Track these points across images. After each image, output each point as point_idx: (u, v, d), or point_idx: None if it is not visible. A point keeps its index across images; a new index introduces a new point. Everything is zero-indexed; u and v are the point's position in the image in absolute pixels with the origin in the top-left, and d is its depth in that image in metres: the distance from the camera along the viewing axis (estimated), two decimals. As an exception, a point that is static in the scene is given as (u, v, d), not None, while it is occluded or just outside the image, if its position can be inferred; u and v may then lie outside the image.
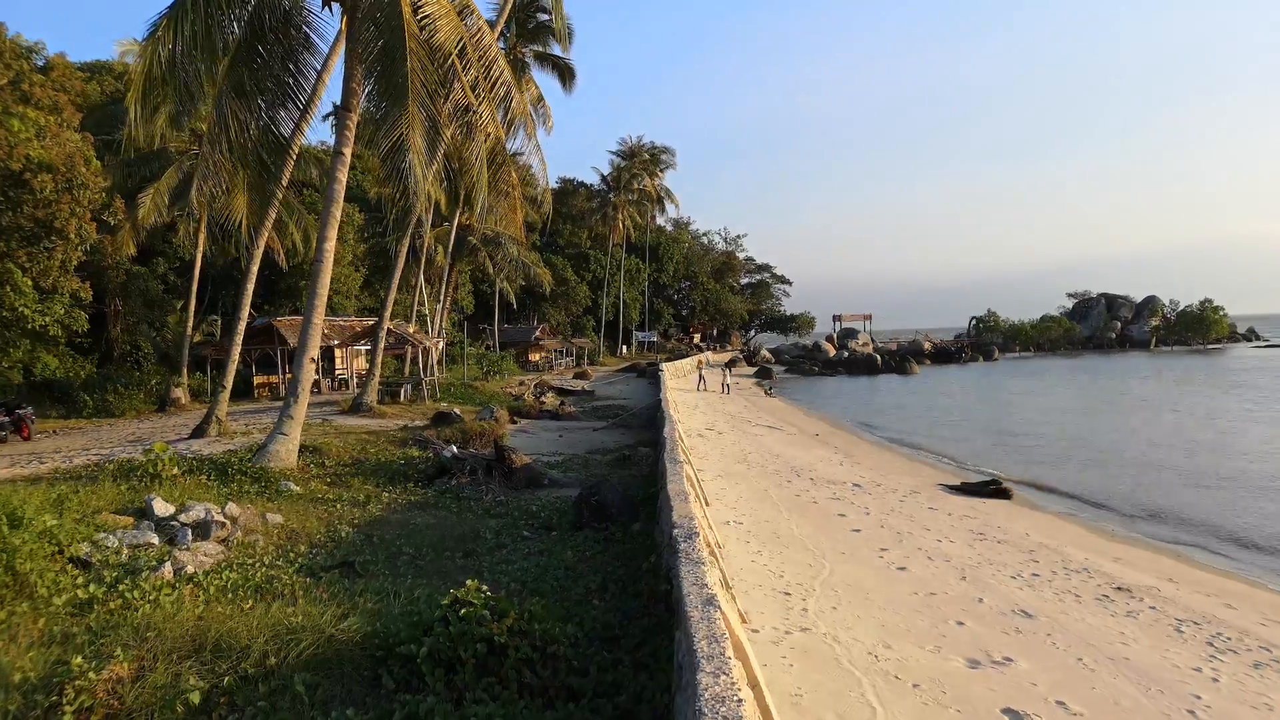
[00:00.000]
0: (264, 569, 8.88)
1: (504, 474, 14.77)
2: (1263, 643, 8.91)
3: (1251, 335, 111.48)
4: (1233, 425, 31.96)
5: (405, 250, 26.60)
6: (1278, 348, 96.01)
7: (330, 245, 14.83)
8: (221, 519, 10.02)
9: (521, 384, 41.48)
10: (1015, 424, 35.08)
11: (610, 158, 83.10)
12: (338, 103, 28.18)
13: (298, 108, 15.79)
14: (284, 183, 19.50)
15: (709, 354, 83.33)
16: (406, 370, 36.17)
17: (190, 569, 8.49)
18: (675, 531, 7.27)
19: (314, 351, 14.95)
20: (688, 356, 72.32)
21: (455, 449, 15.26)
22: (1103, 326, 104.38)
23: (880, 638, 8.10)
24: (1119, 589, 10.92)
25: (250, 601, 7.60)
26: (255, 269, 20.21)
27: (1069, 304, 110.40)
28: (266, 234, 20.14)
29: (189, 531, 9.51)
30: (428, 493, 13.96)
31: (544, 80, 56.58)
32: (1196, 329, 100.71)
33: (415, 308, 39.60)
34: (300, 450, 15.82)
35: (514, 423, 25.29)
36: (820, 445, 26.65)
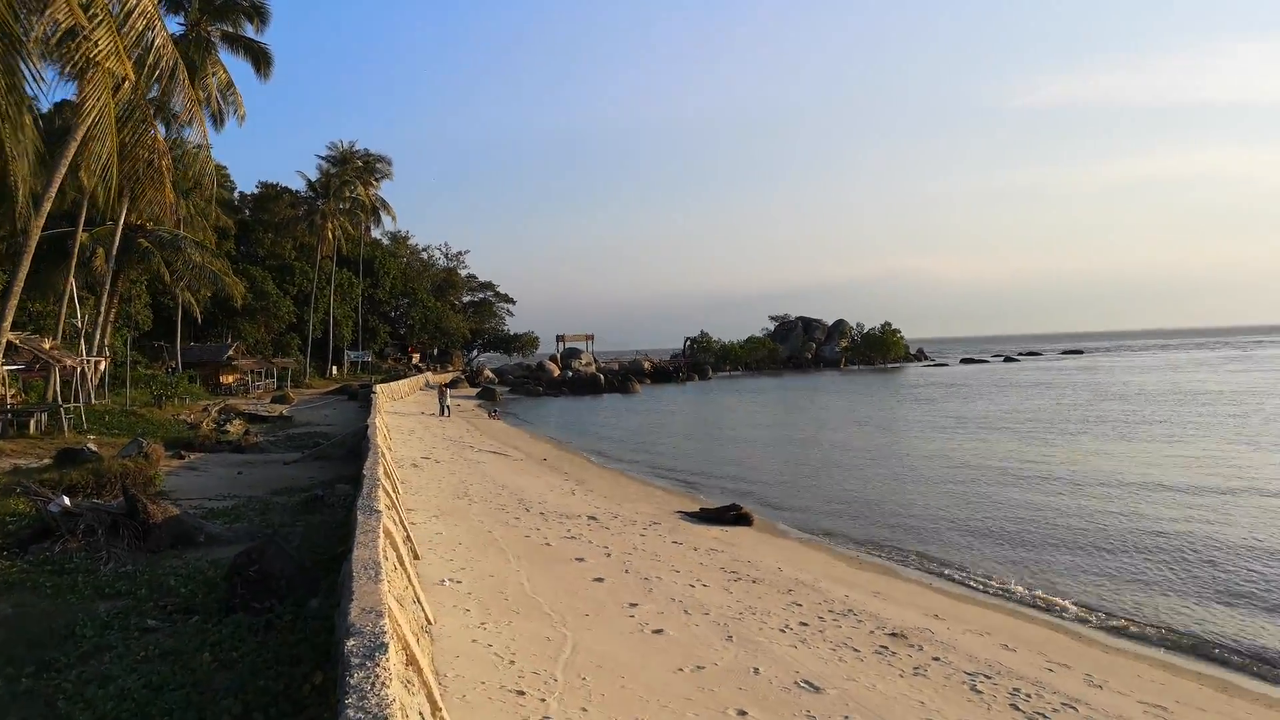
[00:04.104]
0: None
1: (138, 532, 11.04)
2: (1064, 698, 7.79)
3: (921, 355, 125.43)
4: (921, 434, 33.98)
5: (32, 246, 21.03)
6: (943, 366, 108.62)
7: None
8: None
9: (205, 410, 35.67)
10: (737, 442, 35.21)
11: (319, 162, 76.75)
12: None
13: None
14: None
15: (429, 374, 79.19)
16: (49, 395, 29.50)
17: None
18: (350, 645, 4.60)
19: None
20: (406, 377, 67.87)
21: (67, 500, 11.27)
22: (801, 347, 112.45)
23: (650, 754, 5.90)
24: (893, 635, 9.61)
25: None
26: None
27: (771, 326, 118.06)
28: None
29: None
30: (15, 566, 9.97)
31: (238, 67, 50.18)
32: (879, 349, 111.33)
33: (64, 320, 32.71)
34: None
35: (181, 458, 20.75)
36: (549, 471, 24.54)
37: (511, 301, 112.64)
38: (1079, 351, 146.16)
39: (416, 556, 11.08)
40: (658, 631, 8.96)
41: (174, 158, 26.82)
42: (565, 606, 9.61)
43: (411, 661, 5.46)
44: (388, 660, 4.38)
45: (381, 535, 7.68)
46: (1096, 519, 17.46)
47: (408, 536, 11.10)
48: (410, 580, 8.29)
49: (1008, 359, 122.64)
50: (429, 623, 8.16)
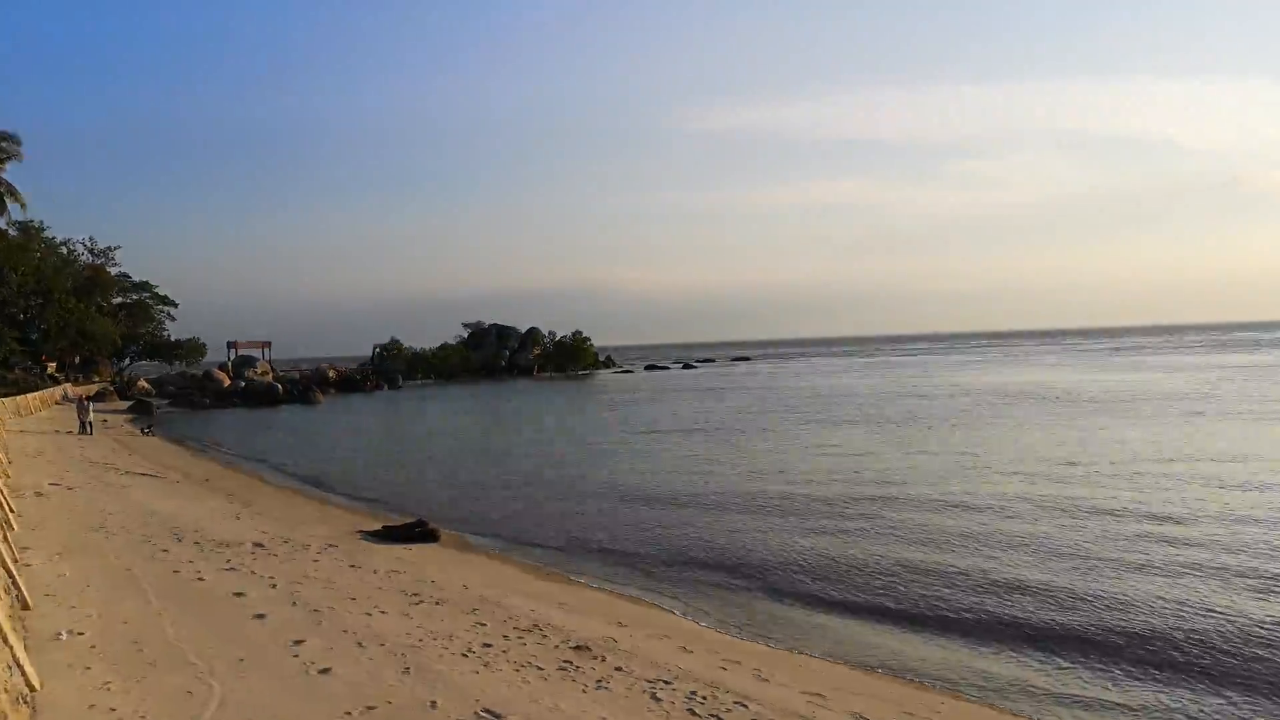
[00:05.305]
0: None
1: None
2: (737, 696, 8.14)
3: (610, 362, 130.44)
4: (600, 443, 35.07)
5: None
6: (628, 373, 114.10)
7: None
8: None
9: None
10: (424, 454, 34.26)
11: (-82, 135, 64.00)
12: None
13: None
14: None
15: (69, 386, 69.16)
16: None
17: None
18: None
19: None
20: (38, 389, 58.58)
21: None
22: (494, 355, 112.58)
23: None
24: (577, 648, 9.57)
25: None
26: None
27: (465, 333, 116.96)
28: None
29: None
30: None
31: None
32: (570, 357, 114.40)
33: None
34: None
35: None
36: (211, 494, 22.16)
37: (173, 304, 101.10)
38: (746, 359, 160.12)
39: (26, 606, 9.31)
40: (324, 671, 8.18)
41: None
42: (216, 652, 8.49)
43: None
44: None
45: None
46: (760, 527, 18.11)
47: (13, 583, 9.29)
48: (5, 639, 6.85)
49: (686, 365, 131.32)
50: (31, 690, 6.78)
